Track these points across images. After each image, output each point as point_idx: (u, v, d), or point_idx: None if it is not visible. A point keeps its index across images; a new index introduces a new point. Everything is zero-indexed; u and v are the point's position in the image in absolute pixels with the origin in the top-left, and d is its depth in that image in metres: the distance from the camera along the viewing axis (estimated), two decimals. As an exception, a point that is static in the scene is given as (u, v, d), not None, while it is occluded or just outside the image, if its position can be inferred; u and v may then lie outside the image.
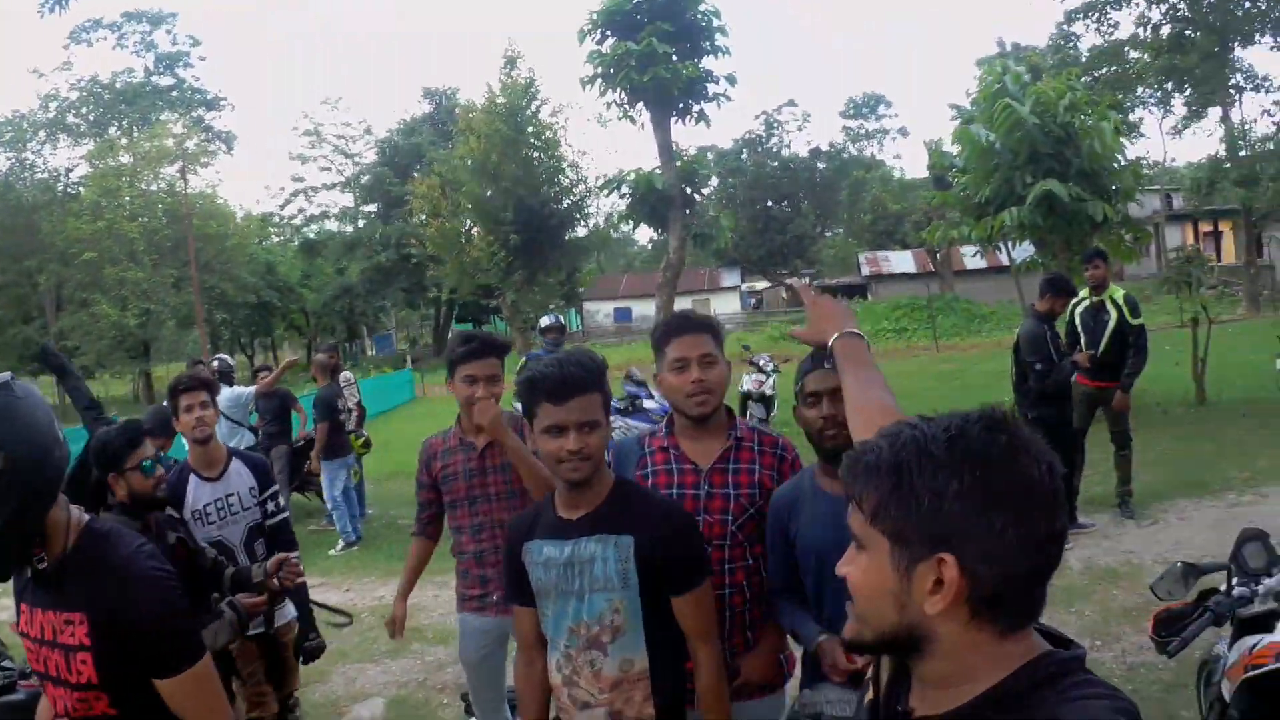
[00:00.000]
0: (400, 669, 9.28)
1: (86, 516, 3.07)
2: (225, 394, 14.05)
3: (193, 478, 6.18)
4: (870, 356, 3.05)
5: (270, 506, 6.37)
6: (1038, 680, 1.72)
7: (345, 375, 14.81)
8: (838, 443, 3.91)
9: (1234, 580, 4.47)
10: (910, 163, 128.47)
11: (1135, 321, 11.37)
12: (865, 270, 68.71)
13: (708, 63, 25.78)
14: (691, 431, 4.44)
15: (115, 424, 5.61)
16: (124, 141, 61.78)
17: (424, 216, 46.34)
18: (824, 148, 74.36)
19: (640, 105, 26.55)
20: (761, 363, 19.83)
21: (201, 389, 6.24)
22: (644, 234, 69.48)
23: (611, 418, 4.08)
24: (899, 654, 1.86)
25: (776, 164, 70.28)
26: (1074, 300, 11.72)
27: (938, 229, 20.81)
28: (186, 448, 6.43)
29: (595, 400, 3.70)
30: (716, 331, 4.50)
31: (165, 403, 6.49)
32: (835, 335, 3.01)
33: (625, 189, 27.38)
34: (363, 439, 14.92)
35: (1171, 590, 4.63)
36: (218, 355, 16.85)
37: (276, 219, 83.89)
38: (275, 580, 5.67)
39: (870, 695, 2.09)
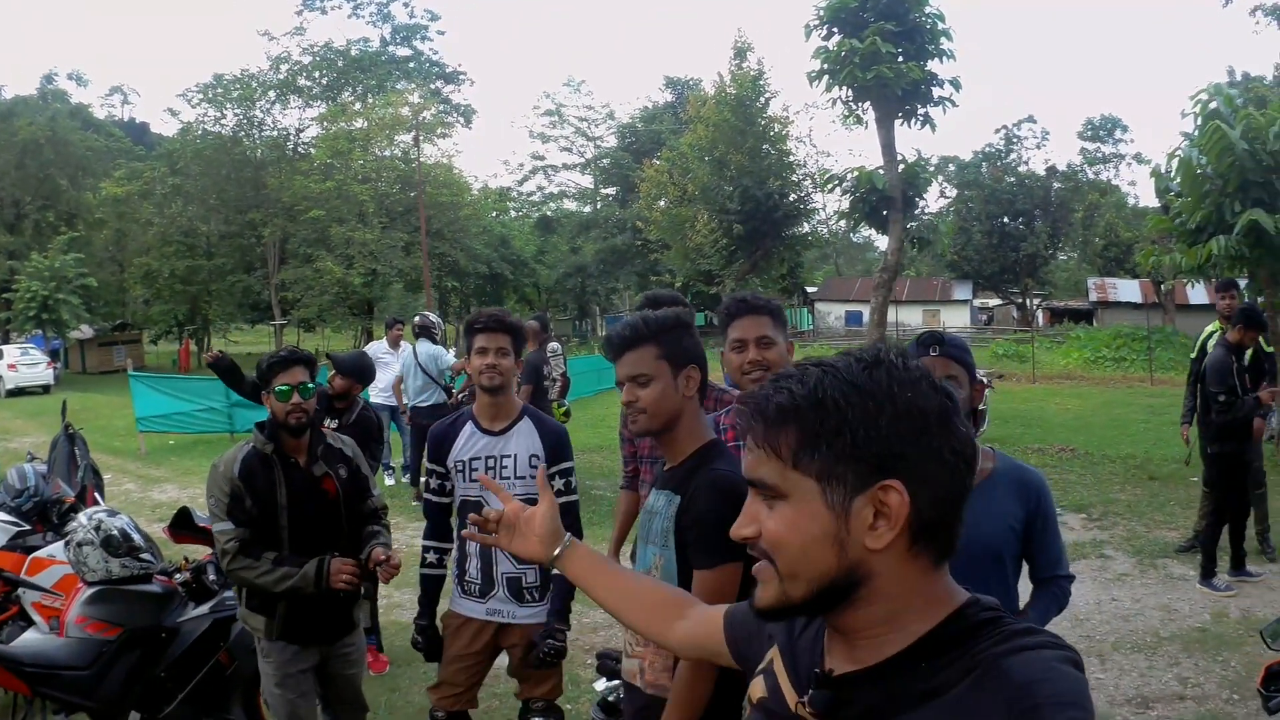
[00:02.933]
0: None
1: None
2: (425, 349, 14.80)
3: (468, 426, 5.60)
4: (595, 553, 2.83)
5: (558, 484, 5.54)
6: (972, 626, 1.69)
7: (553, 345, 14.82)
8: None
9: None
10: (1144, 189, 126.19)
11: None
12: (1093, 295, 67.45)
13: (932, 66, 25.42)
14: None
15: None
16: (358, 107, 63.65)
17: (654, 203, 46.81)
18: (1061, 168, 73.18)
19: (866, 105, 26.34)
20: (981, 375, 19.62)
21: (502, 331, 5.51)
22: (884, 240, 69.63)
23: None
24: (830, 606, 1.75)
25: (1013, 180, 69.33)
26: (1206, 332, 11.32)
27: (1150, 254, 20.20)
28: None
29: (645, 355, 3.71)
30: (777, 314, 4.49)
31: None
32: (556, 549, 2.72)
33: (847, 186, 27.25)
34: (565, 408, 14.92)
35: (1289, 641, 4.40)
36: (421, 311, 17.06)
37: (514, 194, 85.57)
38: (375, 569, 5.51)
39: (760, 693, 2.03)
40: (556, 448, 5.60)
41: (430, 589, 5.73)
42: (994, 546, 4.00)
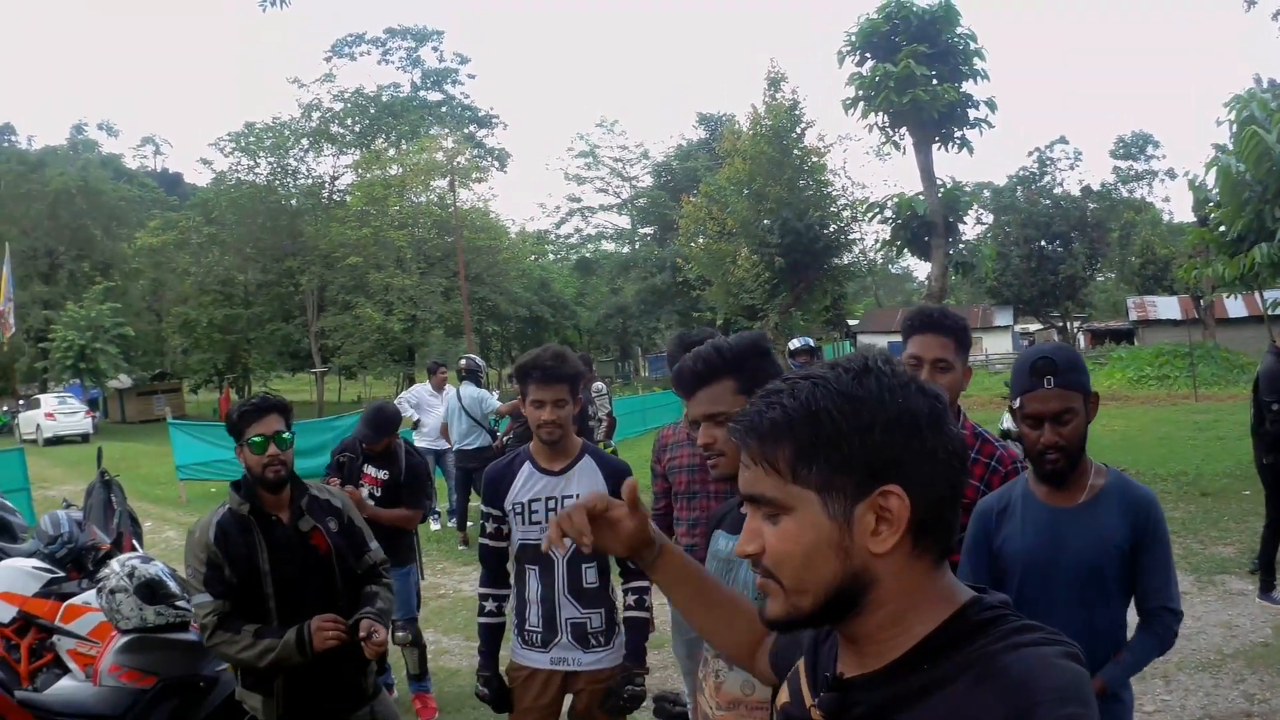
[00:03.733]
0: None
1: None
2: (470, 392, 14.66)
3: (526, 466, 5.25)
4: (690, 562, 2.69)
5: None
6: (973, 626, 1.68)
7: (598, 385, 14.82)
8: (1058, 467, 3.81)
9: None
10: (1178, 205, 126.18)
11: None
12: (1133, 315, 67.34)
13: (967, 87, 25.31)
14: None
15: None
16: (392, 153, 63.89)
17: (693, 239, 46.81)
18: (1095, 187, 73.12)
19: (902, 130, 26.24)
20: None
21: (560, 383, 5.08)
22: (923, 269, 69.51)
23: None
24: (839, 614, 1.76)
25: (1049, 202, 69.17)
26: None
27: (1192, 267, 20.03)
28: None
29: (723, 390, 3.41)
30: (961, 336, 4.32)
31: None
32: (654, 553, 2.58)
33: (888, 213, 27.15)
34: (612, 448, 14.80)
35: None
36: (466, 354, 17.05)
37: (552, 237, 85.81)
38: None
39: (784, 699, 2.03)
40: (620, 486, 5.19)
41: (490, 638, 5.39)
42: (1096, 566, 3.83)
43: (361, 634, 4.91)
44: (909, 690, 1.66)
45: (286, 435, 5.06)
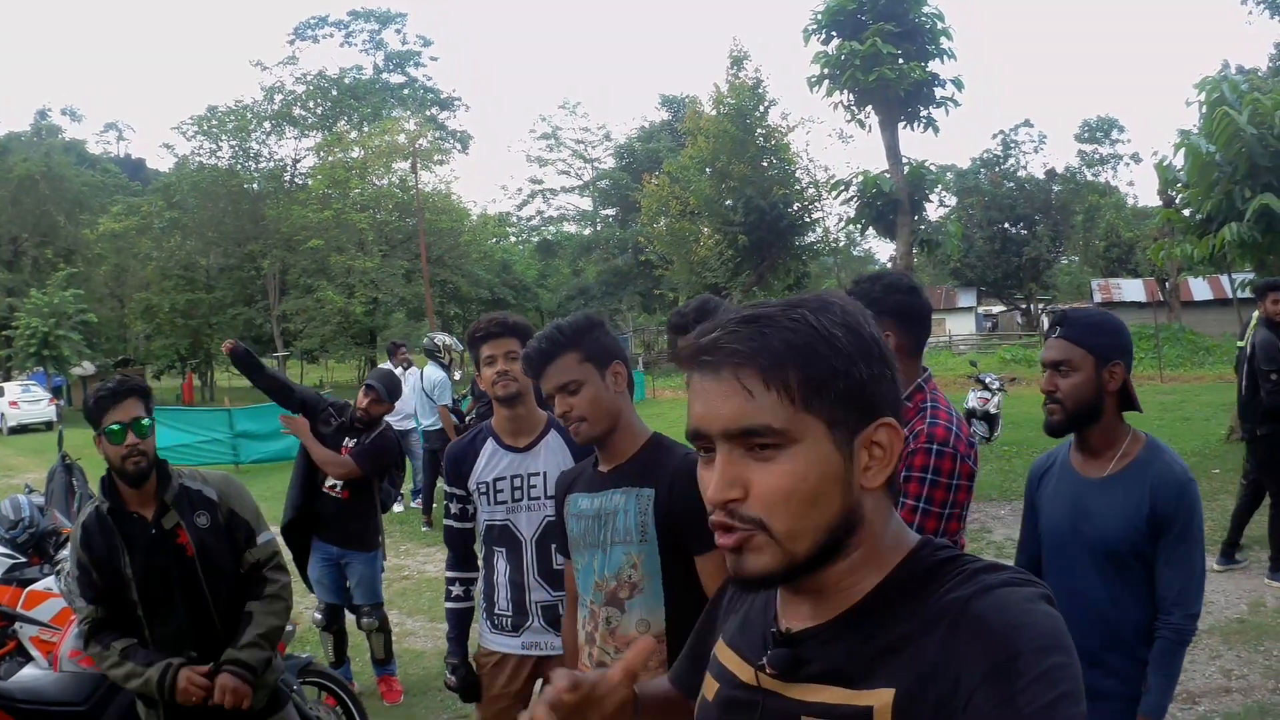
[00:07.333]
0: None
1: None
2: (431, 374, 14.76)
3: (490, 443, 4.91)
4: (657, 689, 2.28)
5: None
6: (930, 567, 1.63)
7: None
8: (1054, 419, 3.80)
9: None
10: (1143, 189, 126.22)
11: None
12: (1097, 297, 67.47)
13: (934, 66, 25.29)
14: None
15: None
16: (354, 136, 63.94)
17: (656, 219, 46.76)
18: (1059, 171, 73.39)
19: (868, 108, 26.20)
20: (988, 380, 19.14)
21: (509, 336, 4.77)
22: (885, 250, 69.72)
23: None
24: (829, 558, 1.63)
25: (1013, 185, 69.44)
26: (1254, 321, 10.68)
27: (1161, 247, 20.00)
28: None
29: (569, 362, 3.77)
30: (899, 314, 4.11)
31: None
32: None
33: (853, 191, 27.13)
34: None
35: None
36: (428, 334, 16.94)
37: (514, 219, 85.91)
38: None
39: (714, 687, 1.89)
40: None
41: (459, 624, 5.10)
42: (1113, 544, 3.66)
43: (215, 698, 4.46)
44: (876, 646, 1.58)
45: (146, 422, 4.60)
